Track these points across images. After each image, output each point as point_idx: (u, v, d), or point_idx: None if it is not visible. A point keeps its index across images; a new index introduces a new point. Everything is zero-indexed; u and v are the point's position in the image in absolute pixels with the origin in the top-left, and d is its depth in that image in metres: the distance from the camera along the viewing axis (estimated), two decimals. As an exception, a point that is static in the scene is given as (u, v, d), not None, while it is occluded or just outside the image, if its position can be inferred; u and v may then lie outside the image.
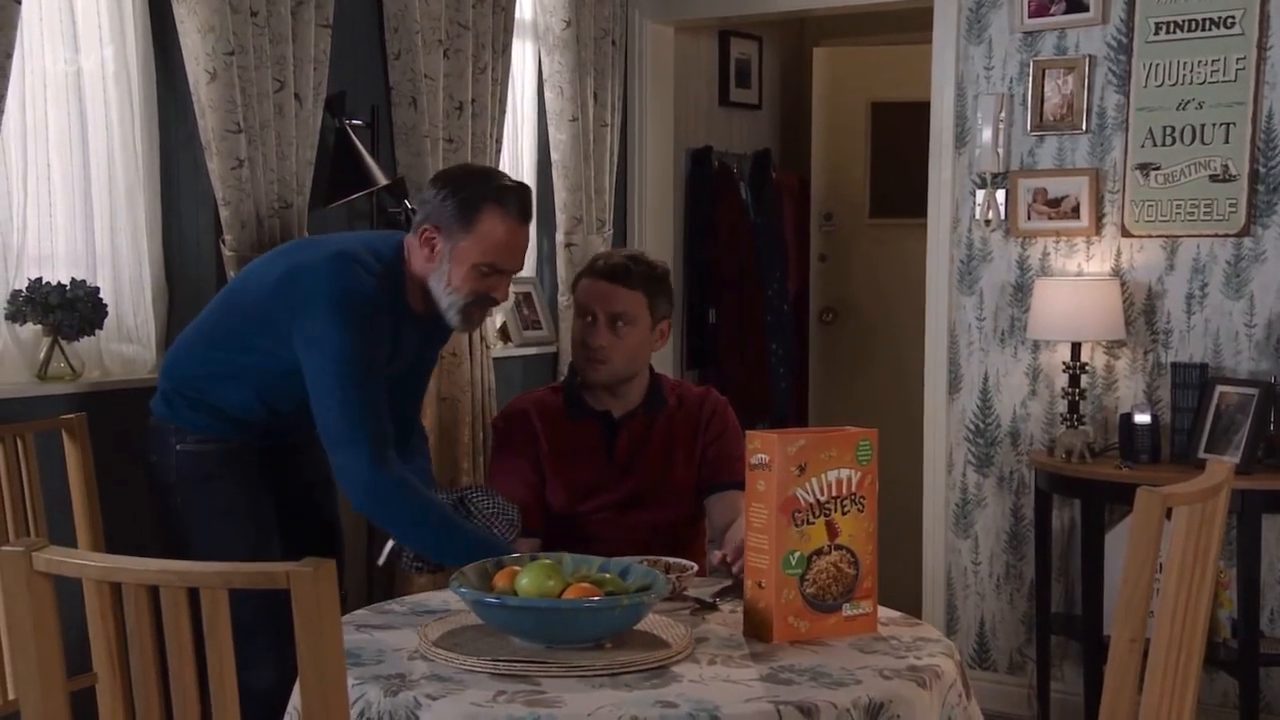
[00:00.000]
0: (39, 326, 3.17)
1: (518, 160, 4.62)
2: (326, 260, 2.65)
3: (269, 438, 2.84)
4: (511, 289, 4.54)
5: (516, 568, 2.23)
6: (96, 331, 3.25)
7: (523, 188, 2.75)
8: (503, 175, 2.84)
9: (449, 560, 2.64)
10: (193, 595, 1.59)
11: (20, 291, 3.13)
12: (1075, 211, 4.18)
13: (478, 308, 2.74)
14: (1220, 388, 3.87)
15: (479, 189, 2.67)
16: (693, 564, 2.56)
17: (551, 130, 4.62)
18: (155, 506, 2.88)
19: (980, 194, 4.33)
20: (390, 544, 2.74)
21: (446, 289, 2.68)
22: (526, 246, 2.78)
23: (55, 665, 1.66)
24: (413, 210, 2.75)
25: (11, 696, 2.67)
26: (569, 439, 2.97)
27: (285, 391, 2.71)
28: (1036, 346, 4.28)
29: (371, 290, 2.62)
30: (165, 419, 2.82)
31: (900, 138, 5.53)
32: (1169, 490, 1.95)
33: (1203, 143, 3.97)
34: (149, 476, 2.85)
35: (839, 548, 2.25)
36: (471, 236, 2.66)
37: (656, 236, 5.10)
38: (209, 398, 2.78)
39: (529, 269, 4.72)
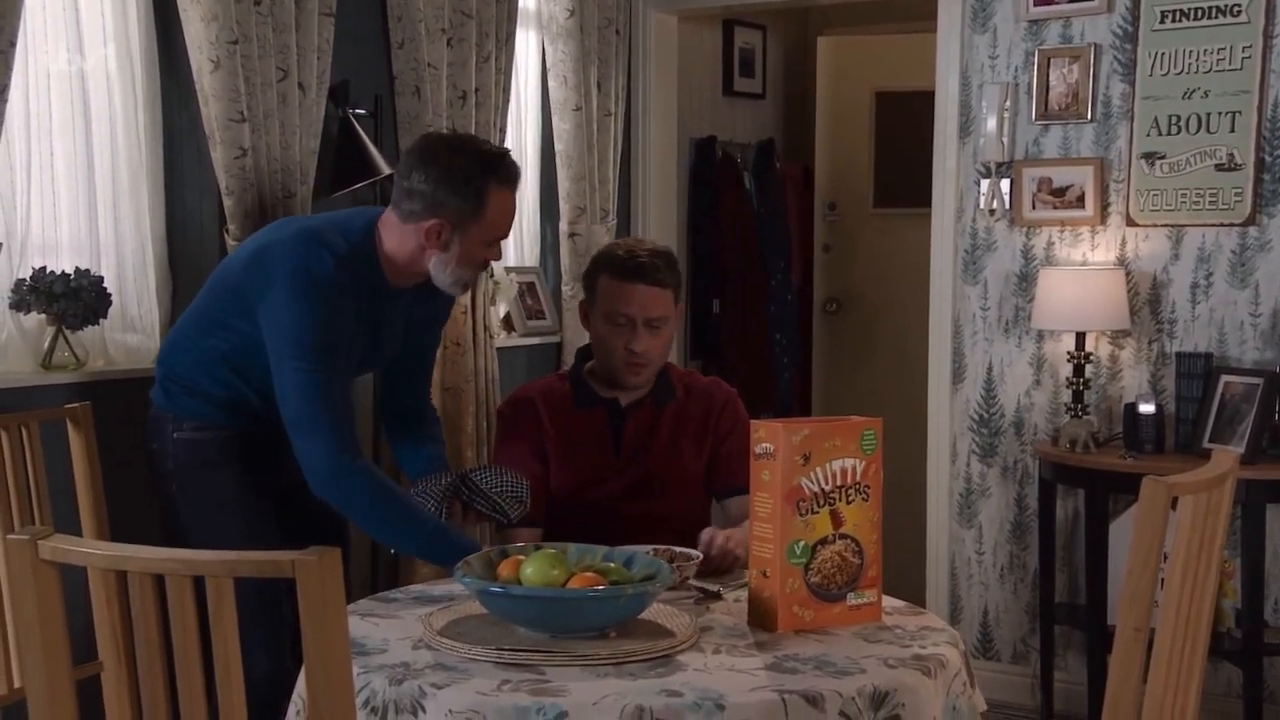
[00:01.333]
0: (43, 316, 3.16)
1: (521, 150, 4.61)
2: (291, 238, 2.66)
3: (265, 424, 2.83)
4: (515, 279, 4.57)
5: (521, 557, 2.23)
6: (100, 321, 3.24)
7: (508, 154, 2.74)
8: (484, 143, 2.82)
9: (404, 549, 2.64)
10: (198, 583, 1.59)
11: (24, 280, 3.12)
12: (1080, 201, 4.16)
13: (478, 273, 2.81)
14: (1225, 377, 3.86)
15: (478, 171, 2.64)
16: (698, 553, 2.57)
17: (555, 120, 4.61)
18: (156, 495, 2.88)
19: (985, 183, 4.32)
20: None
21: (455, 269, 2.68)
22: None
23: (61, 653, 1.66)
24: (406, 194, 2.69)
25: (17, 685, 2.67)
26: (575, 427, 2.95)
27: (266, 374, 2.68)
28: (1041, 336, 4.28)
29: (332, 271, 2.60)
30: (163, 407, 2.82)
31: (904, 127, 5.53)
32: (1175, 480, 1.95)
33: (1208, 132, 3.96)
34: (149, 465, 2.86)
35: (843, 537, 2.25)
36: (484, 222, 2.66)
37: (660, 226, 5.09)
38: (201, 385, 2.78)
39: (532, 259, 4.71)
